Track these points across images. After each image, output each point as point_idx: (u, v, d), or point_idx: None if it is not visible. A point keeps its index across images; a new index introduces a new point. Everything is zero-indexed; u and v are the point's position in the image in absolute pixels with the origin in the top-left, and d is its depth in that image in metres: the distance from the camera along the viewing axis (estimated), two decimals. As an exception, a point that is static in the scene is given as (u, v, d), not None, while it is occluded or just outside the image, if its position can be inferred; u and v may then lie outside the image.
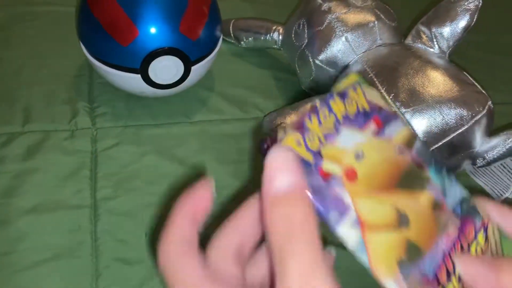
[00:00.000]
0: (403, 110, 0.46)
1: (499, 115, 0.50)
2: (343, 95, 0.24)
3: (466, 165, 0.49)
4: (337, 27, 0.53)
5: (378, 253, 0.22)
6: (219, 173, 0.53)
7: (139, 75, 0.54)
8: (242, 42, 0.66)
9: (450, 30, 0.51)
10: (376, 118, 0.24)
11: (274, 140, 0.22)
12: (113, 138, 0.56)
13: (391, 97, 0.47)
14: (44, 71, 0.63)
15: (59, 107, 0.59)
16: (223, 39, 0.62)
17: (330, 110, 0.23)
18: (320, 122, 0.23)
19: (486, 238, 0.27)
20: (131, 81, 0.55)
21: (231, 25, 0.66)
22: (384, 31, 0.53)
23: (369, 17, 0.53)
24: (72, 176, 0.52)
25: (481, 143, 0.47)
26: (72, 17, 0.67)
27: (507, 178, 0.50)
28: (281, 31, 0.62)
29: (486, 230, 0.27)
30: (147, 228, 0.48)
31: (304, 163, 0.22)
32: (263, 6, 0.74)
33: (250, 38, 0.64)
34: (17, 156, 0.53)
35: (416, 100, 0.46)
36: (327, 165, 0.22)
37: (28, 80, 0.61)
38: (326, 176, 0.22)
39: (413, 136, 0.25)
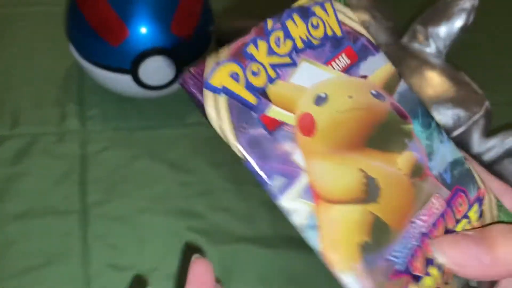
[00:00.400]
0: (400, 111, 0.46)
1: (496, 115, 0.50)
2: (306, 13, 0.19)
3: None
4: (331, 26, 0.52)
5: (335, 233, 0.17)
6: (213, 176, 0.52)
7: (129, 76, 0.53)
8: (235, 42, 0.65)
9: (446, 29, 0.50)
10: (349, 48, 0.19)
11: (199, 72, 0.17)
12: (104, 141, 0.55)
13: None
14: (33, 72, 0.61)
15: (48, 109, 0.57)
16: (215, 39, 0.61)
17: (287, 33, 0.18)
18: (270, 49, 0.18)
19: (481, 214, 0.21)
20: (122, 82, 0.54)
21: (224, 25, 0.65)
22: (380, 31, 0.52)
23: (364, 17, 0.52)
24: (62, 180, 0.51)
25: (479, 144, 0.47)
26: (60, 17, 0.66)
27: (505, 179, 0.49)
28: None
29: (481, 203, 0.21)
30: (138, 232, 0.47)
31: (242, 106, 0.17)
32: (256, 5, 0.73)
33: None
34: (5, 160, 0.52)
35: (413, 101, 0.46)
36: (275, 111, 0.17)
37: (16, 82, 0.60)
38: (272, 126, 0.17)
39: (396, 76, 0.20)
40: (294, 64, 0.18)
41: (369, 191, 0.18)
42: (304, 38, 0.19)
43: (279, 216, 0.52)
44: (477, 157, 0.47)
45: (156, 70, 0.53)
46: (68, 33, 0.56)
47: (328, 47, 0.19)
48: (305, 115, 0.18)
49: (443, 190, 0.20)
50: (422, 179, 0.19)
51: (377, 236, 0.18)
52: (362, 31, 0.20)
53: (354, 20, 0.20)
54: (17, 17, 0.68)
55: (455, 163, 0.21)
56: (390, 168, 0.19)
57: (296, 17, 0.19)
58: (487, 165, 0.47)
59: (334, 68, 0.19)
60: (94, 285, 0.44)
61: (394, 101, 0.20)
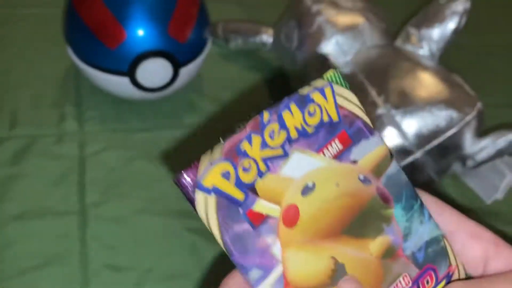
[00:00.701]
0: (393, 112, 0.46)
1: (489, 117, 0.50)
2: (304, 101, 0.19)
3: (456, 167, 0.49)
4: (326, 29, 0.53)
5: None
6: (209, 176, 0.53)
7: (127, 78, 0.53)
8: (231, 45, 0.65)
9: (439, 32, 0.51)
10: (343, 133, 0.19)
11: (193, 172, 0.18)
12: (102, 142, 0.55)
13: (381, 99, 0.47)
14: (31, 74, 0.62)
15: (46, 111, 0.58)
16: (212, 41, 0.62)
17: (282, 125, 0.18)
18: (264, 144, 0.18)
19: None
20: (119, 85, 0.54)
21: (220, 27, 0.65)
22: (374, 33, 0.53)
23: (358, 19, 0.53)
24: (60, 181, 0.51)
25: (471, 145, 0.48)
26: (58, 20, 0.66)
27: (497, 179, 0.50)
28: (270, 33, 0.62)
29: (449, 279, 0.21)
30: (136, 233, 0.48)
31: (230, 203, 0.17)
32: (252, 8, 0.74)
33: (239, 41, 0.64)
34: (3, 161, 0.52)
35: (407, 102, 0.46)
36: (261, 205, 0.18)
37: (14, 84, 0.60)
38: (257, 220, 0.18)
39: (387, 159, 0.20)
40: (285, 155, 0.19)
41: (336, 276, 0.18)
42: (299, 127, 0.19)
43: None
44: (469, 157, 0.48)
45: (154, 72, 0.53)
46: (66, 36, 0.57)
47: (322, 134, 0.19)
48: (290, 207, 0.18)
49: (412, 269, 0.20)
50: (393, 260, 0.20)
51: None
52: (360, 113, 0.20)
53: (353, 102, 0.20)
54: (15, 19, 0.68)
55: (431, 242, 0.21)
56: (361, 253, 0.19)
57: (293, 106, 0.19)
58: (479, 165, 0.48)
59: (325, 155, 0.19)
60: (92, 285, 0.44)
61: (380, 185, 0.20)
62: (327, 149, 0.19)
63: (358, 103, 0.20)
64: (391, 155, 0.20)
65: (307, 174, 0.19)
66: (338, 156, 0.19)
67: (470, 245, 0.21)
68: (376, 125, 0.46)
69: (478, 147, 0.47)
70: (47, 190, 0.50)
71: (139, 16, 0.51)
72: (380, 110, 0.47)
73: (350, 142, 0.20)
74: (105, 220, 0.48)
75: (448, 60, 0.53)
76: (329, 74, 0.20)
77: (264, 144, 0.18)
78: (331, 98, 0.19)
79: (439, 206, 0.21)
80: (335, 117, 0.19)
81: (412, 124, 0.46)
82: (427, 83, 0.47)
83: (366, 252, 0.19)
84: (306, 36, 0.54)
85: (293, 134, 0.19)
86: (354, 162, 0.20)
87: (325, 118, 0.19)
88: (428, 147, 0.46)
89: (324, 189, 0.19)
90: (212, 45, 0.61)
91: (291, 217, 0.18)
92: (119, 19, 0.51)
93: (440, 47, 0.51)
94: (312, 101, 0.19)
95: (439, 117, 0.46)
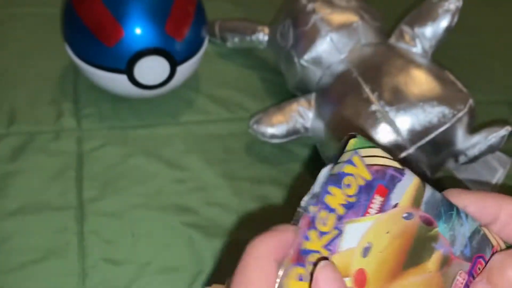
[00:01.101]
0: (387, 108, 0.47)
1: (481, 114, 0.51)
2: (338, 179, 0.20)
3: (449, 163, 0.50)
4: (321, 27, 0.53)
5: None
6: (207, 173, 0.54)
7: (124, 76, 0.54)
8: (228, 43, 0.66)
9: (432, 30, 0.52)
10: (379, 187, 0.21)
11: None
12: (99, 139, 0.56)
13: (375, 95, 0.48)
14: (29, 72, 0.62)
15: (44, 108, 0.58)
16: (209, 40, 0.63)
17: (329, 209, 0.20)
18: (320, 234, 0.20)
19: None
20: (117, 82, 0.55)
21: (217, 26, 0.66)
22: (368, 31, 0.54)
23: (353, 18, 0.54)
24: (58, 177, 0.52)
25: (463, 141, 0.48)
26: (56, 18, 0.67)
27: (489, 174, 0.51)
28: (266, 31, 0.63)
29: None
30: (134, 228, 0.48)
31: None
32: (248, 7, 0.74)
33: (236, 39, 0.65)
34: (1, 157, 0.53)
35: (400, 99, 0.47)
36: None
37: (12, 82, 0.61)
38: None
39: (421, 188, 0.22)
40: (340, 233, 0.20)
41: None
42: (344, 202, 0.20)
43: (270, 210, 0.54)
44: (461, 153, 0.49)
45: (151, 69, 0.54)
46: (64, 34, 0.57)
47: (363, 197, 0.21)
48: (358, 272, 0.20)
49: (464, 265, 0.22)
50: (448, 266, 0.22)
51: None
52: (389, 162, 0.21)
53: (380, 156, 0.21)
54: (14, 18, 0.69)
55: (472, 236, 0.23)
56: (423, 275, 0.21)
57: (331, 188, 0.20)
58: (471, 161, 0.49)
59: (371, 214, 0.21)
60: (90, 279, 0.44)
61: (421, 213, 0.22)
62: (371, 207, 0.21)
63: (385, 154, 0.22)
64: (423, 182, 0.22)
65: (362, 238, 0.20)
66: (381, 208, 0.21)
67: (508, 224, 0.23)
68: (370, 122, 0.47)
69: (470, 143, 0.48)
70: (45, 185, 0.51)
71: (136, 14, 0.52)
72: (374, 107, 0.48)
73: (387, 191, 0.21)
74: (103, 215, 0.49)
75: (441, 58, 0.54)
76: (352, 143, 0.21)
77: (320, 234, 0.20)
78: (361, 164, 0.21)
79: (479, 198, 0.23)
80: (368, 177, 0.21)
81: (405, 121, 0.47)
82: (420, 80, 0.48)
83: (426, 273, 0.21)
84: (301, 34, 0.55)
85: (341, 211, 0.20)
86: (395, 206, 0.21)
87: (361, 182, 0.21)
88: (421, 143, 0.47)
89: (379, 242, 0.21)
90: (209, 44, 0.62)
91: (360, 281, 0.20)
92: (117, 17, 0.52)
93: (432, 44, 0.52)
94: (345, 174, 0.20)
95: (432, 113, 0.47)
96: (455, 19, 0.51)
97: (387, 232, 0.21)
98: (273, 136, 0.53)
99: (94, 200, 0.50)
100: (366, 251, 0.20)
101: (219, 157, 0.55)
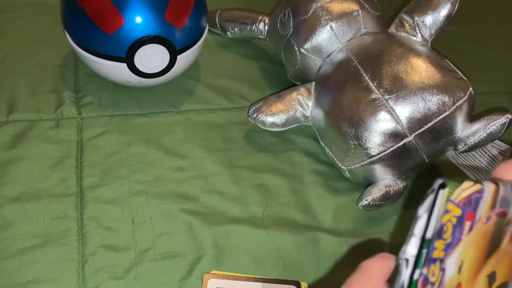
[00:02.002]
0: (387, 96, 0.47)
1: (479, 104, 0.51)
2: (440, 233, 0.22)
3: (448, 151, 0.50)
4: (322, 15, 0.53)
5: None
6: (206, 161, 0.54)
7: (124, 64, 0.54)
8: (228, 33, 0.66)
9: (432, 18, 0.52)
10: (468, 214, 0.23)
11: None
12: (99, 127, 0.56)
13: (375, 84, 0.48)
14: (29, 61, 0.62)
15: (44, 96, 0.58)
16: (209, 30, 0.63)
17: (434, 260, 0.22)
18: (432, 284, 0.22)
19: None
20: (117, 70, 0.55)
21: (217, 15, 0.66)
22: (368, 20, 0.54)
23: (353, 6, 0.54)
24: (58, 164, 0.52)
25: (463, 129, 0.48)
26: (57, 7, 0.67)
27: (488, 163, 0.51)
28: (266, 21, 0.62)
29: None
30: (133, 215, 0.48)
31: None
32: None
33: (236, 29, 0.65)
34: (1, 145, 0.53)
35: (399, 87, 0.47)
36: None
37: (12, 70, 0.61)
38: None
39: (496, 192, 0.23)
40: (444, 271, 0.22)
41: (489, 281, 0.24)
42: (443, 247, 0.22)
43: (270, 198, 0.54)
44: (461, 141, 0.49)
45: (151, 58, 0.54)
46: (64, 22, 0.57)
47: (457, 232, 0.22)
48: (457, 286, 0.23)
49: None
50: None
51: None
52: (472, 188, 0.22)
53: (467, 188, 0.22)
54: (14, 7, 0.69)
55: None
56: (500, 255, 0.24)
57: (436, 243, 0.22)
58: (471, 149, 0.49)
59: (463, 240, 0.23)
60: (90, 265, 0.45)
61: (497, 210, 0.24)
62: (463, 234, 0.23)
63: (470, 183, 0.23)
64: (498, 184, 0.23)
65: (457, 261, 0.23)
66: (471, 229, 0.23)
67: None
68: (369, 110, 0.47)
69: (469, 131, 0.48)
70: (45, 173, 0.51)
71: (136, 2, 0.52)
72: (374, 95, 0.48)
73: (473, 213, 0.23)
74: (103, 202, 0.49)
75: (439, 48, 0.54)
76: (446, 195, 0.22)
77: (432, 285, 0.22)
78: (454, 207, 0.22)
79: None
80: (459, 213, 0.22)
81: (405, 108, 0.47)
82: (419, 68, 0.48)
83: (500, 251, 0.24)
84: (302, 23, 0.55)
85: (442, 255, 0.22)
86: (479, 219, 0.23)
87: (454, 221, 0.22)
88: (421, 130, 0.47)
89: (468, 256, 0.23)
90: (209, 33, 0.62)
91: None
92: (117, 5, 0.52)
93: (432, 33, 0.52)
94: (444, 225, 0.22)
95: (431, 101, 0.47)
96: (456, 8, 0.51)
97: (473, 243, 0.23)
98: (272, 124, 0.53)
99: (94, 187, 0.50)
100: (460, 268, 0.23)
101: (219, 145, 0.55)
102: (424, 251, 0.22)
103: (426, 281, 0.22)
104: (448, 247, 0.22)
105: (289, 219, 0.49)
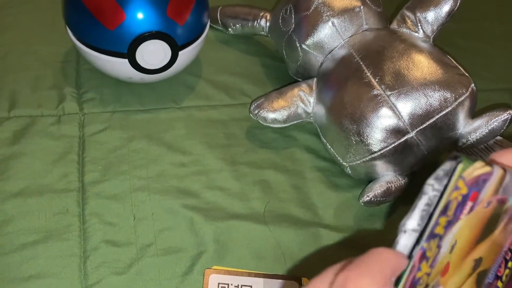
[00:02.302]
0: (388, 92, 0.47)
1: (481, 101, 0.51)
2: (446, 209, 0.22)
3: (450, 147, 0.50)
4: (323, 11, 0.53)
5: None
6: (208, 157, 0.54)
7: (126, 60, 0.54)
8: (229, 29, 0.66)
9: (434, 14, 0.52)
10: (473, 194, 0.22)
11: None
12: (101, 123, 0.56)
13: (376, 80, 0.48)
14: (31, 57, 0.62)
15: (46, 92, 0.58)
16: (210, 26, 0.63)
17: (435, 236, 0.22)
18: (427, 259, 0.22)
19: None
20: (118, 66, 0.55)
21: (219, 12, 0.66)
22: (370, 16, 0.54)
23: (355, 2, 0.54)
24: (59, 160, 0.52)
25: (464, 125, 0.48)
26: (58, 3, 0.67)
27: (490, 159, 0.51)
28: (268, 17, 0.62)
29: None
30: (135, 210, 0.48)
31: None
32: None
33: (237, 25, 0.65)
34: (3, 140, 0.53)
35: (401, 83, 0.47)
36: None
37: (14, 66, 0.61)
38: None
39: (502, 178, 0.23)
40: (440, 247, 0.22)
41: (475, 266, 0.24)
42: (445, 224, 0.22)
43: (271, 194, 0.54)
44: (463, 138, 0.49)
45: (153, 53, 0.54)
46: (65, 17, 0.57)
47: (458, 211, 0.22)
48: (445, 265, 0.23)
49: None
50: (510, 221, 0.25)
51: (480, 280, 0.24)
52: (483, 169, 0.22)
53: (479, 167, 0.22)
54: (15, 2, 0.69)
55: None
56: (490, 242, 0.24)
57: (440, 219, 0.22)
58: (472, 145, 0.49)
59: (462, 219, 0.23)
60: (91, 261, 0.45)
61: (498, 196, 0.24)
62: (463, 214, 0.22)
63: (482, 164, 0.23)
64: (506, 170, 0.23)
65: (451, 240, 0.23)
66: (471, 210, 0.23)
67: None
68: (371, 106, 0.47)
69: (471, 127, 0.48)
70: (47, 168, 0.51)
71: (138, -3, 0.52)
72: (376, 91, 0.48)
73: (477, 194, 0.23)
74: (104, 198, 0.49)
75: (441, 45, 0.54)
76: (460, 170, 0.22)
77: (427, 259, 0.22)
78: (463, 185, 0.22)
79: None
80: (465, 191, 0.22)
81: (407, 105, 0.47)
82: (421, 64, 0.48)
83: (491, 238, 0.24)
84: (303, 19, 0.55)
85: (442, 232, 0.22)
86: (480, 202, 0.23)
87: (459, 199, 0.22)
88: (422, 127, 0.47)
89: (462, 236, 0.23)
90: (210, 30, 0.61)
91: (444, 270, 0.23)
92: (118, 0, 0.52)
93: (434, 29, 0.52)
94: (451, 201, 0.22)
95: (433, 97, 0.47)
96: (458, 4, 0.51)
97: (469, 226, 0.23)
98: (274, 121, 0.53)
99: (96, 183, 0.50)
100: (452, 247, 0.23)
101: (220, 141, 0.55)
102: (432, 222, 0.21)
103: (423, 255, 0.22)
104: (449, 225, 0.22)
105: (291, 215, 0.49)
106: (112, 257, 0.45)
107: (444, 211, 0.22)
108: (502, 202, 0.24)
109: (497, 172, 0.23)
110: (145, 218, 0.48)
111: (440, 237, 0.22)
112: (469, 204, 0.22)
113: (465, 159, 0.22)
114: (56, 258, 0.45)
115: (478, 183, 0.22)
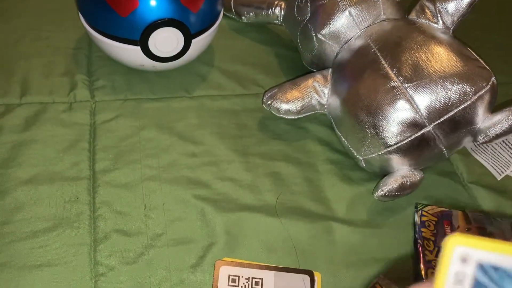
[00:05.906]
0: (406, 85, 0.46)
1: (501, 95, 0.50)
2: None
3: (467, 142, 0.49)
4: (340, 0, 0.52)
5: None
6: (219, 147, 0.53)
7: (138, 47, 0.53)
8: (243, 18, 0.65)
9: (455, 5, 0.50)
10: None
11: None
12: (112, 111, 0.55)
13: (394, 71, 0.47)
14: (42, 43, 0.62)
15: (57, 79, 0.58)
16: (224, 14, 0.62)
17: None
18: None
19: None
20: (131, 53, 0.54)
21: (232, 0, 0.65)
22: (387, 6, 0.52)
23: (373, -8, 0.52)
24: (70, 148, 0.51)
25: (484, 120, 0.47)
26: (70, -11, 0.66)
27: (509, 155, 0.49)
28: (283, 6, 0.61)
29: None
30: (146, 200, 0.48)
31: None
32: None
33: (251, 13, 0.64)
34: (14, 127, 0.53)
35: (419, 75, 0.46)
36: None
37: (26, 53, 0.61)
38: None
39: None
40: None
41: None
42: None
43: (283, 187, 0.53)
44: (481, 132, 0.47)
45: (165, 41, 0.53)
46: (78, 3, 0.57)
47: None
48: None
49: None
50: None
51: None
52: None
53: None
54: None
55: None
56: None
57: None
58: (491, 140, 0.48)
59: None
60: (101, 249, 0.44)
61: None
62: None
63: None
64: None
65: None
66: None
67: None
68: (388, 98, 0.46)
69: (490, 122, 0.47)
70: (58, 156, 0.51)
71: (151, -16, 0.51)
72: (393, 83, 0.46)
73: None
74: (115, 186, 0.49)
75: (462, 37, 0.52)
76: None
77: None
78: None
79: None
80: None
81: (424, 97, 0.45)
82: (440, 56, 0.47)
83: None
84: (319, 8, 0.53)
85: None
86: None
87: None
88: (440, 120, 0.46)
89: None
90: (224, 19, 0.60)
91: None
92: (132, -13, 0.51)
93: (455, 20, 0.51)
94: None
95: (452, 90, 0.45)
96: (479, -6, 0.50)
97: None
98: (287, 112, 0.53)
99: (107, 171, 0.50)
100: None
101: (232, 132, 0.55)
102: None
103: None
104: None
105: (303, 208, 0.49)
106: (123, 246, 0.45)
107: None
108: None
109: None
110: (156, 208, 0.47)
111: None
112: None
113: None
114: (66, 246, 0.44)
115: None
